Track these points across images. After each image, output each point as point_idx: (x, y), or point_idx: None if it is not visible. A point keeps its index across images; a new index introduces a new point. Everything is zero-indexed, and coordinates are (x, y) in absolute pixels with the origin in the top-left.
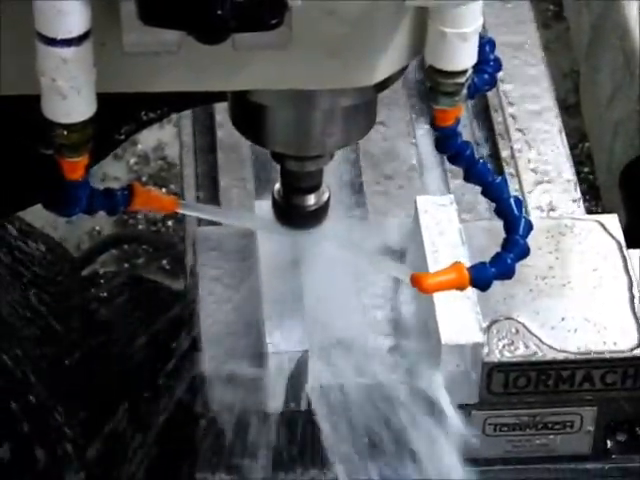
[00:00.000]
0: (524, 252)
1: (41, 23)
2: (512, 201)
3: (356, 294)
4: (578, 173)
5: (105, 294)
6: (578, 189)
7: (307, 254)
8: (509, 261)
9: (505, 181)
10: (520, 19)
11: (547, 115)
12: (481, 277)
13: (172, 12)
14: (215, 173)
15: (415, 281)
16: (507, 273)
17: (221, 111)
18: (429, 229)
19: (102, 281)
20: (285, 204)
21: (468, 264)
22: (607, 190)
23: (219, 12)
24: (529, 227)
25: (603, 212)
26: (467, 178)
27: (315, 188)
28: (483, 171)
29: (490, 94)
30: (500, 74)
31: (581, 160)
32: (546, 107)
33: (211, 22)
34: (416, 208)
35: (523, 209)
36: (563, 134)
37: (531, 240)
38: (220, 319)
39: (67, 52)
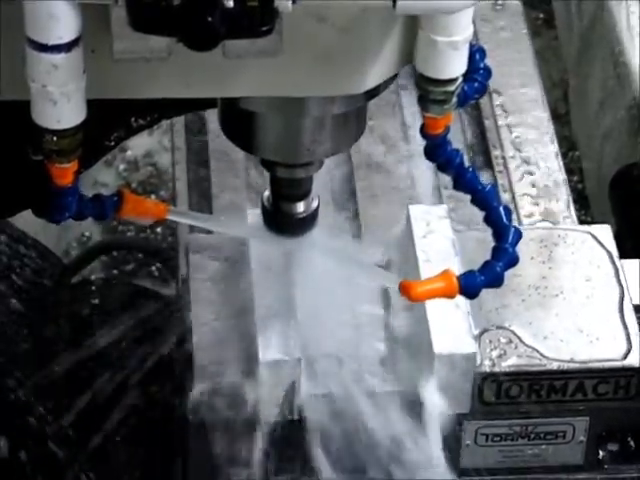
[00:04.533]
0: (513, 260)
1: (32, 29)
2: (501, 209)
3: (348, 303)
4: (568, 182)
5: (96, 301)
6: (572, 205)
7: (299, 263)
8: (498, 269)
9: (495, 189)
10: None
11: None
12: (470, 285)
13: (162, 19)
14: (207, 180)
15: (404, 289)
16: (496, 281)
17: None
18: (421, 239)
19: (92, 288)
20: (274, 211)
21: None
22: (596, 198)
23: (209, 19)
24: (518, 236)
25: (592, 220)
26: (456, 186)
27: (304, 195)
28: (472, 179)
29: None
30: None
31: (570, 168)
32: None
33: (201, 29)
34: (408, 217)
35: (513, 217)
36: (555, 144)
37: (524, 250)
38: (212, 327)
39: (57, 58)
